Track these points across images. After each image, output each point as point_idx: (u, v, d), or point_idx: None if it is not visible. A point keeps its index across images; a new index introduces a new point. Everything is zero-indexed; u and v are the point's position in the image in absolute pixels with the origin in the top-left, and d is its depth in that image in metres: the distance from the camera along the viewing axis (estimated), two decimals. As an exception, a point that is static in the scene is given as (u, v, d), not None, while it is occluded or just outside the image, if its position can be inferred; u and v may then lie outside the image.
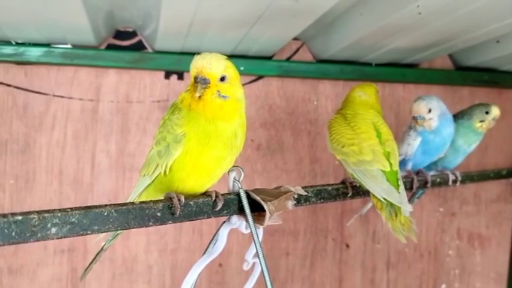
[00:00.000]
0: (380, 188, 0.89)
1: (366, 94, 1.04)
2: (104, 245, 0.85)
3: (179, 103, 0.75)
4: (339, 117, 1.00)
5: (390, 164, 0.92)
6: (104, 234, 0.83)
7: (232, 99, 0.73)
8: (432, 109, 1.08)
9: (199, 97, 0.71)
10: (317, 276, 1.44)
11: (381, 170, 0.91)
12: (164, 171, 0.73)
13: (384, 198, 0.89)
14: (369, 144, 0.92)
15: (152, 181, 0.77)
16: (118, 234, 0.84)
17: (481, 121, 1.16)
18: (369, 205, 1.25)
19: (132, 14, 1.18)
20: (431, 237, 1.52)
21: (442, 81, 1.48)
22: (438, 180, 1.15)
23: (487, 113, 1.16)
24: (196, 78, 0.71)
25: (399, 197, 0.89)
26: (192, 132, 0.71)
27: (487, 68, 1.49)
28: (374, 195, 0.91)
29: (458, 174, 1.18)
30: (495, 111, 1.16)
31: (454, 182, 1.17)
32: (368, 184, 0.91)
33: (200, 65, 0.71)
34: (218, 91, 0.72)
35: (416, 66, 1.47)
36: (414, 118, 1.09)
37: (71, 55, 1.22)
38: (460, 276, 1.56)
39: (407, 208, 0.88)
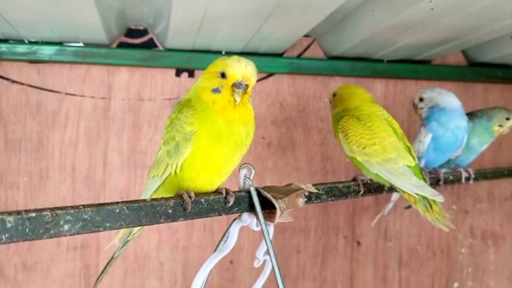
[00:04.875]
0: (409, 184, 0.89)
1: (366, 91, 1.03)
2: (115, 253, 0.85)
3: (204, 104, 0.73)
4: (351, 118, 0.96)
5: (413, 158, 0.92)
6: (118, 237, 0.84)
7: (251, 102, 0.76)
8: (425, 99, 1.11)
9: (238, 102, 0.71)
10: (328, 274, 1.43)
11: (407, 166, 0.90)
12: (175, 170, 0.73)
13: (416, 193, 0.89)
14: (390, 142, 0.91)
15: (162, 182, 0.77)
16: (128, 241, 0.84)
17: (500, 125, 1.15)
18: (391, 204, 1.24)
19: (143, 12, 1.18)
20: (443, 235, 1.50)
21: (455, 77, 1.46)
22: (451, 177, 1.13)
23: (507, 119, 1.15)
24: (239, 83, 0.72)
25: (431, 189, 0.89)
26: (204, 130, 0.71)
27: (501, 64, 1.47)
28: (404, 191, 0.91)
29: (471, 171, 1.16)
30: None
31: (467, 179, 1.16)
32: (396, 182, 0.90)
33: (249, 72, 0.72)
34: (250, 95, 0.75)
35: (428, 62, 1.46)
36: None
37: (83, 53, 1.24)
38: (473, 275, 1.54)
39: (439, 199, 0.88)
